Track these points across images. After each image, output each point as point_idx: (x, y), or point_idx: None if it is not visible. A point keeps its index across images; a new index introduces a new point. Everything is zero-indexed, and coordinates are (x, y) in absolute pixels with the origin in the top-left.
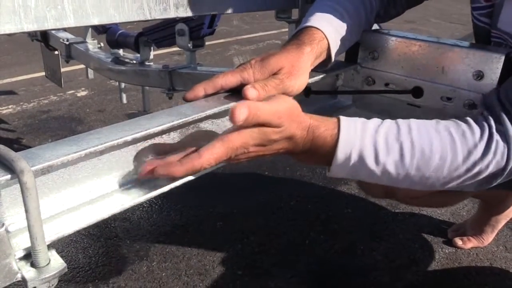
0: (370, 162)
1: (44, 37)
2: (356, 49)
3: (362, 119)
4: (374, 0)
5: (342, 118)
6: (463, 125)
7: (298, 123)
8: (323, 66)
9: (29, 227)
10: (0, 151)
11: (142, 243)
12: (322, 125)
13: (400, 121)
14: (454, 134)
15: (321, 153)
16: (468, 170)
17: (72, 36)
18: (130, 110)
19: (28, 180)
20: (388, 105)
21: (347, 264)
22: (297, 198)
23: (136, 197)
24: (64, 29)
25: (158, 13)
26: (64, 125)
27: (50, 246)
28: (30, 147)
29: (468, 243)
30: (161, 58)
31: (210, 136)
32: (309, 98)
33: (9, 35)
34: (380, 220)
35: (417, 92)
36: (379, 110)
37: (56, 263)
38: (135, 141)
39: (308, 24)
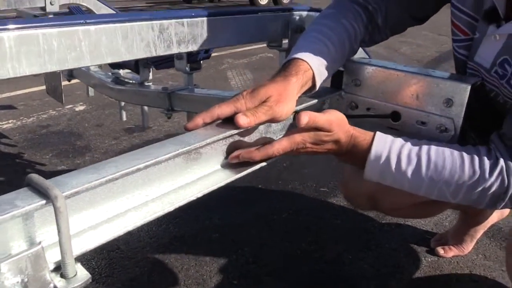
0: (394, 168)
1: None
2: (341, 76)
3: (393, 137)
4: (359, 28)
5: (377, 132)
6: (474, 151)
7: (344, 131)
8: (308, 92)
9: (60, 244)
10: (36, 180)
11: (142, 255)
12: (362, 136)
13: (424, 141)
14: (465, 156)
15: (359, 156)
16: (473, 186)
17: None
18: (128, 125)
19: (61, 205)
20: (369, 128)
21: (336, 273)
22: (289, 210)
23: (145, 216)
24: None
25: (162, 50)
26: (63, 139)
27: (76, 260)
28: (32, 162)
29: (450, 252)
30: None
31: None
32: None
33: (35, 75)
34: (368, 231)
35: (395, 116)
36: None
37: (81, 274)
38: (146, 167)
39: (294, 56)
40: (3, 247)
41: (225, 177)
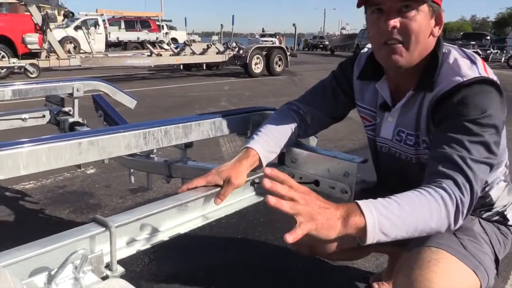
0: (386, 229)
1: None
2: (283, 156)
3: (373, 201)
4: (296, 129)
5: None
6: (435, 192)
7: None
8: (258, 168)
9: (111, 252)
10: (99, 217)
11: None
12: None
13: (398, 196)
14: (432, 198)
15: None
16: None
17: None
18: (132, 186)
19: (114, 231)
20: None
21: None
22: (261, 255)
23: (154, 241)
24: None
25: (166, 143)
26: (78, 198)
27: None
28: (52, 217)
29: (382, 287)
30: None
31: None
32: (255, 186)
33: (78, 166)
34: (323, 272)
35: (316, 183)
36: None
37: (120, 269)
38: (154, 214)
39: (246, 145)
40: (78, 252)
41: (201, 221)
